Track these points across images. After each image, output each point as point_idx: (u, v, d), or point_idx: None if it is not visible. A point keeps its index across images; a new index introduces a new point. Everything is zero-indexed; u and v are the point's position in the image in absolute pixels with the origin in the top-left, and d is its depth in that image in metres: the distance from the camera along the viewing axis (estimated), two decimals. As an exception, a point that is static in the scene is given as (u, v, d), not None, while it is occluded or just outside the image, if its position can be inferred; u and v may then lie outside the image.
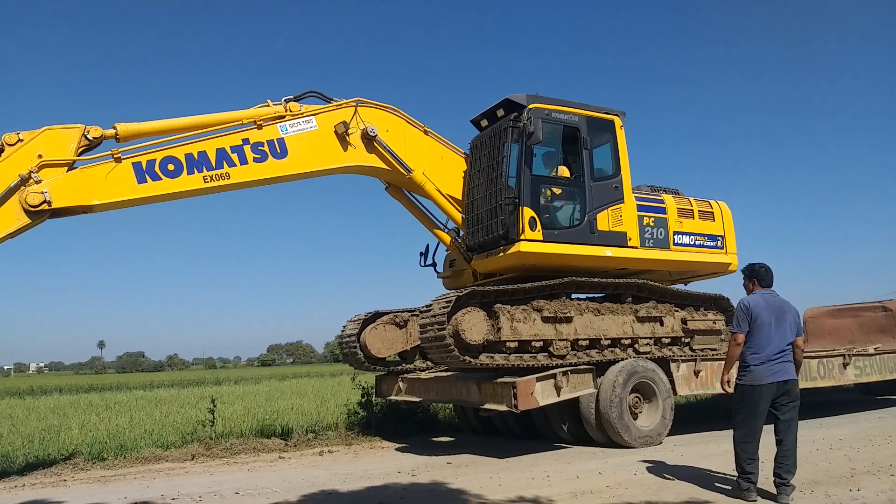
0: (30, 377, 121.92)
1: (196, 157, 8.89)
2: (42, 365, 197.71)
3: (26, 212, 7.98)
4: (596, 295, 10.97)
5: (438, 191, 10.66)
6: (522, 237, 9.71)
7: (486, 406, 9.64)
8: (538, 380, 9.33)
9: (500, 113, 10.53)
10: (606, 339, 10.24)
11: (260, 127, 9.36)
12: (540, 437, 11.06)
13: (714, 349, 11.36)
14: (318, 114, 9.87)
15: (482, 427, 12.28)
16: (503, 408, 9.34)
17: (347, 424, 12.79)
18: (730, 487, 6.84)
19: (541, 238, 9.84)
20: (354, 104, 10.12)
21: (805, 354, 7.02)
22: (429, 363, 11.65)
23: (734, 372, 6.85)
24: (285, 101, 9.85)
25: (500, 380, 9.39)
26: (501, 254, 9.99)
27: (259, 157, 9.29)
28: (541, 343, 9.67)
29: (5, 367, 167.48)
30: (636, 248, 10.69)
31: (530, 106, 10.09)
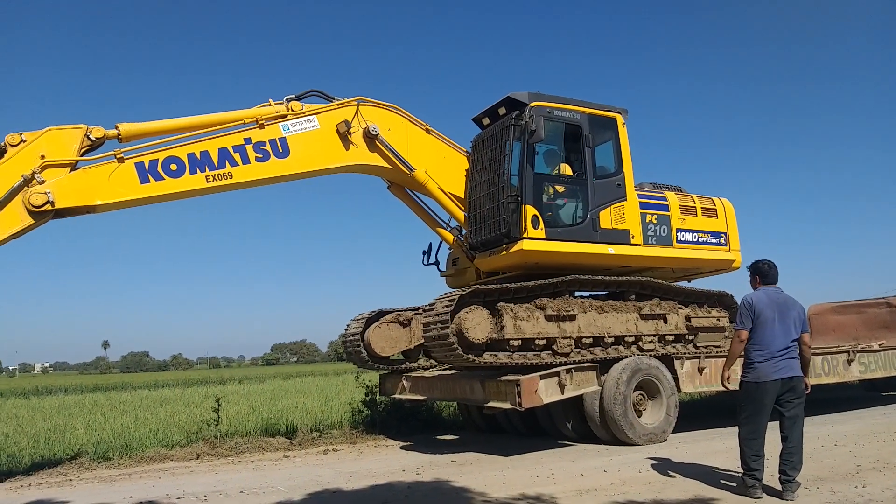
0: (35, 377, 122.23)
1: (198, 156, 8.90)
2: (47, 365, 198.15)
3: (30, 212, 7.99)
4: (599, 293, 10.96)
5: (441, 189, 10.67)
6: (525, 235, 9.71)
7: (490, 404, 9.64)
8: (542, 378, 9.33)
9: (502, 111, 10.53)
10: (610, 336, 10.23)
11: (262, 126, 9.37)
12: (544, 435, 11.06)
13: (718, 346, 11.34)
14: (319, 113, 9.87)
15: (486, 425, 12.28)
16: (507, 406, 9.33)
17: (352, 423, 12.81)
18: (735, 484, 6.83)
19: (543, 236, 9.84)
20: (356, 103, 10.12)
21: (811, 352, 7.00)
22: (432, 361, 11.66)
23: (736, 368, 6.84)
24: (287, 100, 9.85)
25: (504, 378, 9.38)
26: (504, 252, 9.98)
27: (261, 156, 9.30)
28: (544, 341, 9.66)
29: (10, 368, 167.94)
30: (639, 245, 10.68)
31: (532, 104, 10.08)
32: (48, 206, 8.02)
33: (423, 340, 10.09)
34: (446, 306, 9.14)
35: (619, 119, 10.89)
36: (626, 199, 10.62)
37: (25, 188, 8.01)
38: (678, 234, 11.19)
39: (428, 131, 10.83)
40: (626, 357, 10.20)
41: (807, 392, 6.66)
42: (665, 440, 10.13)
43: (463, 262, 11.25)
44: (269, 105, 9.73)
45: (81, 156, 8.52)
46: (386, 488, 7.80)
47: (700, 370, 10.79)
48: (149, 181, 8.63)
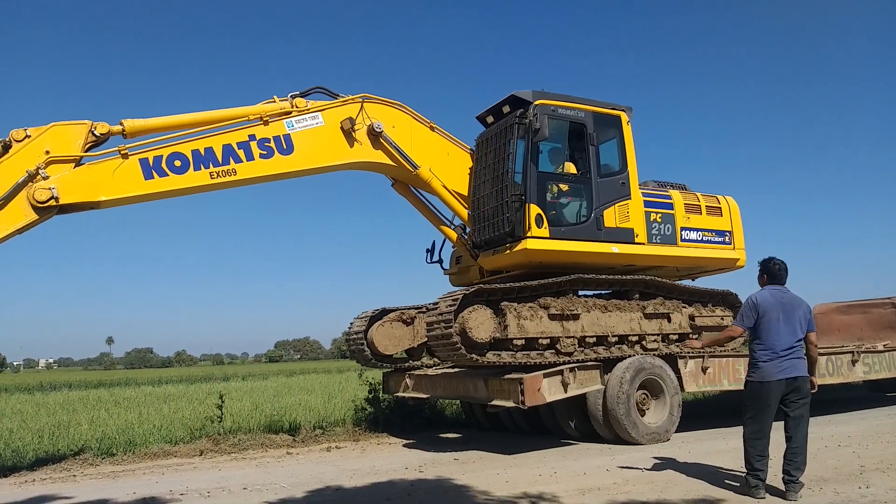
0: (39, 373, 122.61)
1: (202, 153, 8.90)
2: (51, 361, 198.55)
3: (34, 208, 8.00)
4: (603, 292, 10.94)
5: (444, 187, 10.66)
6: (529, 234, 9.69)
7: (494, 402, 9.63)
8: (545, 376, 9.32)
9: (506, 109, 10.50)
10: (614, 336, 10.22)
11: (266, 123, 9.36)
12: (547, 434, 11.05)
13: (723, 345, 11.30)
14: (324, 110, 9.86)
15: (489, 423, 12.28)
16: (510, 404, 9.32)
17: (355, 420, 12.81)
18: (738, 484, 6.81)
19: (547, 235, 9.82)
20: (360, 100, 10.12)
21: (817, 351, 6.99)
22: (436, 360, 11.65)
23: (739, 369, 6.83)
24: (291, 97, 9.84)
25: (507, 376, 9.37)
26: (508, 251, 9.97)
27: (265, 153, 9.29)
28: (548, 340, 9.65)
29: (15, 363, 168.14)
30: (643, 244, 10.65)
31: (536, 102, 10.06)
32: (52, 202, 8.02)
33: (426, 339, 10.08)
34: (450, 306, 9.13)
35: (624, 117, 10.86)
36: (630, 198, 10.59)
37: (30, 184, 8.01)
38: (682, 232, 11.16)
39: (432, 128, 10.82)
40: (629, 356, 10.18)
41: (813, 392, 6.64)
42: (668, 440, 10.11)
43: (466, 260, 11.24)
44: (274, 102, 9.73)
45: (86, 152, 8.51)
46: (388, 486, 7.80)
47: (704, 370, 10.77)
48: (153, 177, 8.63)
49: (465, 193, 10.92)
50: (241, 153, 9.12)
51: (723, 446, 9.21)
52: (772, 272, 6.83)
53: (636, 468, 8.03)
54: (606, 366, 10.05)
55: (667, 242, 10.96)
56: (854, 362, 12.61)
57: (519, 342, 9.43)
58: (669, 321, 10.80)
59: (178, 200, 9.51)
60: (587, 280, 10.28)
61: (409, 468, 8.86)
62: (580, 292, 10.51)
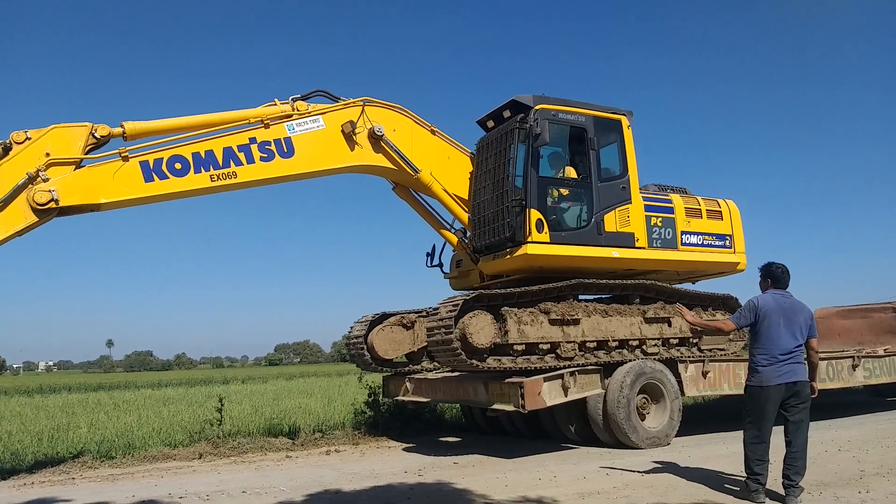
0: (39, 375, 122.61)
1: (203, 155, 8.89)
2: (51, 363, 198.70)
3: (34, 210, 7.97)
4: (603, 296, 10.94)
5: (445, 191, 10.66)
6: (529, 239, 9.69)
7: (494, 406, 9.62)
8: (545, 380, 9.31)
9: (507, 114, 10.51)
10: (614, 340, 10.21)
11: (267, 126, 9.36)
12: (547, 438, 11.04)
13: (723, 349, 11.31)
14: (325, 113, 9.86)
15: (489, 427, 12.26)
16: (510, 408, 9.32)
17: (354, 424, 12.80)
18: (738, 489, 6.81)
19: (548, 240, 9.81)
20: (361, 103, 10.11)
21: (818, 357, 7.00)
22: (436, 364, 11.65)
23: (740, 372, 6.82)
24: (292, 100, 9.83)
25: (507, 380, 9.37)
26: (508, 256, 9.96)
27: (266, 156, 9.29)
28: (548, 345, 9.64)
29: (14, 366, 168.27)
30: (644, 248, 10.64)
31: (537, 107, 10.06)
32: (52, 204, 8.00)
33: (426, 343, 10.07)
34: (450, 311, 9.13)
35: (625, 121, 10.86)
36: (630, 202, 10.58)
37: (30, 186, 7.99)
38: (683, 236, 11.15)
39: (433, 132, 10.82)
40: (630, 361, 10.18)
41: (814, 397, 6.64)
42: (668, 444, 10.10)
43: (467, 264, 11.23)
44: (275, 105, 9.72)
45: (86, 154, 8.50)
46: (388, 489, 7.79)
47: (704, 374, 10.77)
48: (153, 180, 8.62)
49: (466, 197, 10.92)
50: (241, 156, 9.11)
51: (723, 451, 9.20)
52: (774, 276, 6.83)
53: (636, 472, 8.02)
54: (607, 370, 10.04)
55: (667, 246, 10.95)
56: (854, 367, 12.61)
57: (519, 347, 9.42)
58: (670, 325, 10.79)
59: (179, 203, 9.54)
60: (587, 285, 10.27)
61: (409, 472, 8.85)
62: (580, 297, 10.50)
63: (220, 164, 8.98)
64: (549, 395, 9.35)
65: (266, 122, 9.35)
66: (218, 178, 8.97)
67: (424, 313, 11.07)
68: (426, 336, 9.69)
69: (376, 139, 10.09)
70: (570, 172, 10.43)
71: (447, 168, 10.86)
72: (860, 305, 15.74)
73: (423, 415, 12.92)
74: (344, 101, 10.11)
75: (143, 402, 21.78)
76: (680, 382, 10.49)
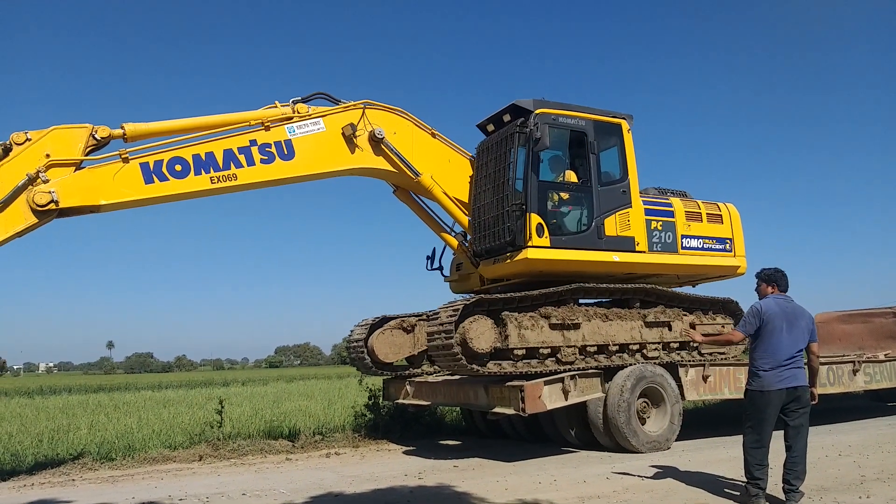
0: (39, 377, 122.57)
1: (203, 157, 8.90)
2: (51, 365, 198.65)
3: (33, 211, 7.99)
4: (603, 300, 10.93)
5: (446, 194, 10.66)
6: (530, 244, 9.69)
7: (495, 410, 9.62)
8: (546, 383, 9.31)
9: (507, 118, 10.50)
10: (614, 344, 10.19)
11: (267, 128, 9.37)
12: (547, 442, 11.03)
13: (723, 353, 11.30)
14: (325, 115, 9.87)
15: (489, 431, 12.25)
16: (511, 411, 9.31)
17: (354, 427, 12.79)
18: (738, 493, 6.80)
19: (548, 244, 9.81)
20: (362, 106, 10.12)
21: (819, 361, 6.99)
22: (436, 367, 11.64)
23: (740, 377, 6.81)
24: (293, 102, 9.84)
25: (508, 384, 9.36)
26: (509, 260, 9.97)
27: (266, 158, 9.30)
28: (549, 350, 9.64)
29: (15, 367, 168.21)
30: (644, 252, 10.64)
31: (537, 111, 10.05)
32: (52, 206, 8.02)
33: (426, 347, 10.07)
34: (450, 316, 9.12)
35: (625, 125, 10.86)
36: (630, 206, 10.58)
37: (30, 187, 8.01)
38: (683, 240, 11.14)
39: (433, 135, 10.82)
40: (630, 365, 10.17)
41: (815, 402, 6.63)
42: (669, 448, 10.09)
43: (467, 267, 11.23)
44: (275, 107, 9.73)
45: (86, 155, 8.52)
46: (388, 492, 7.79)
47: (705, 378, 10.75)
48: (153, 182, 8.64)
49: (466, 200, 10.92)
50: (241, 158, 9.12)
51: (723, 455, 9.18)
52: (775, 280, 6.82)
53: (636, 476, 8.01)
54: (607, 374, 10.04)
55: (667, 250, 10.95)
56: (855, 372, 12.59)
57: (520, 352, 9.41)
58: (670, 329, 10.78)
59: (179, 204, 9.56)
60: (588, 289, 10.27)
61: (409, 475, 8.84)
62: (581, 301, 10.49)
63: (221, 166, 9.00)
64: (550, 398, 9.35)
65: (266, 124, 9.36)
66: (218, 179, 8.98)
67: (425, 317, 11.06)
68: (427, 340, 9.69)
69: (377, 142, 10.10)
70: (571, 176, 10.43)
71: (447, 171, 10.86)
72: (861, 310, 15.71)
73: (423, 418, 12.91)
74: (344, 103, 10.12)
75: (143, 404, 21.78)
76: (680, 386, 10.48)
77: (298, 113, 9.75)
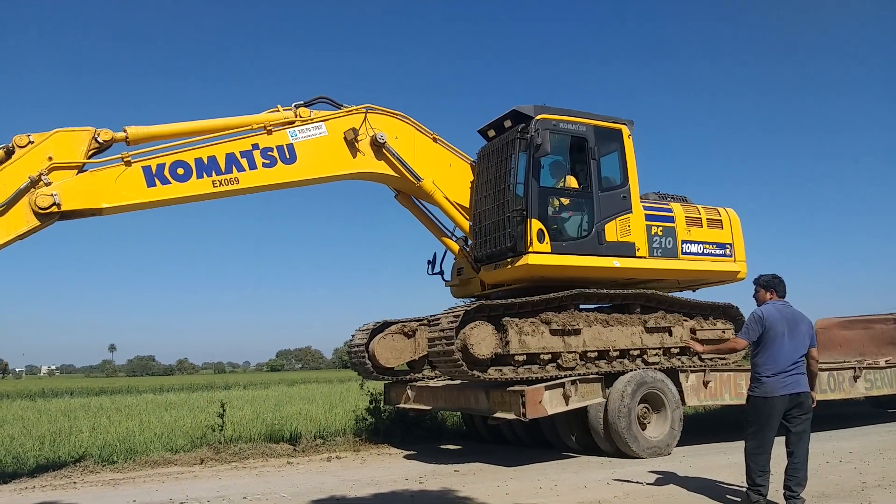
0: (41, 379, 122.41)
1: (206, 161, 8.91)
2: (53, 367, 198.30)
3: (35, 214, 7.98)
4: (604, 305, 10.93)
5: (447, 199, 10.66)
6: (531, 250, 9.69)
7: (495, 415, 9.62)
8: (547, 388, 9.31)
9: (508, 124, 10.50)
10: (615, 350, 10.20)
11: (270, 132, 9.38)
12: (548, 446, 11.02)
13: (724, 359, 11.29)
14: (327, 120, 9.88)
15: (490, 435, 12.25)
16: (512, 416, 9.31)
17: (355, 431, 12.80)
18: (739, 499, 6.79)
19: (549, 250, 9.82)
20: (364, 110, 10.13)
21: (818, 366, 7.00)
22: (437, 371, 11.65)
23: (741, 383, 6.82)
24: (295, 106, 9.84)
25: (509, 388, 9.36)
26: (509, 266, 9.96)
27: (268, 162, 9.31)
28: (549, 356, 9.64)
29: (17, 370, 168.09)
30: (644, 258, 10.64)
31: (538, 117, 10.07)
32: (54, 208, 8.00)
33: (427, 352, 10.08)
34: (451, 322, 9.13)
35: (625, 130, 10.87)
36: (631, 212, 10.58)
37: (32, 190, 8.00)
38: (683, 245, 11.14)
39: (435, 140, 10.83)
40: (631, 370, 10.17)
41: (813, 406, 6.63)
42: (669, 454, 10.08)
43: (468, 271, 11.23)
44: (278, 111, 9.73)
45: (89, 158, 8.51)
46: (389, 497, 7.79)
47: (705, 384, 10.74)
48: (155, 185, 8.64)
49: (467, 205, 10.93)
50: (243, 162, 9.13)
51: (724, 461, 9.18)
52: (773, 286, 6.83)
53: (637, 482, 8.01)
54: (608, 379, 10.03)
55: (668, 256, 10.95)
56: (856, 378, 12.57)
57: (521, 357, 9.41)
58: (671, 335, 10.78)
59: (182, 208, 9.55)
60: (588, 294, 10.27)
61: (410, 479, 8.85)
62: (581, 306, 10.49)
63: (223, 169, 9.01)
64: (551, 403, 9.35)
65: (269, 128, 9.38)
66: (220, 183, 8.99)
67: (426, 321, 11.06)
68: (427, 346, 9.69)
69: (378, 146, 10.11)
70: (571, 182, 10.43)
71: (449, 176, 10.87)
72: (862, 316, 15.69)
73: (424, 422, 12.91)
74: (346, 107, 10.14)
75: (144, 407, 21.84)
76: (681, 392, 10.47)
77: (300, 117, 9.75)
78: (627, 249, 10.48)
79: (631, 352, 10.42)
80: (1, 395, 38.14)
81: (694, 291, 12.64)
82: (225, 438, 11.74)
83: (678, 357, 10.93)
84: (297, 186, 9.88)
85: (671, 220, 11.15)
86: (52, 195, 8.00)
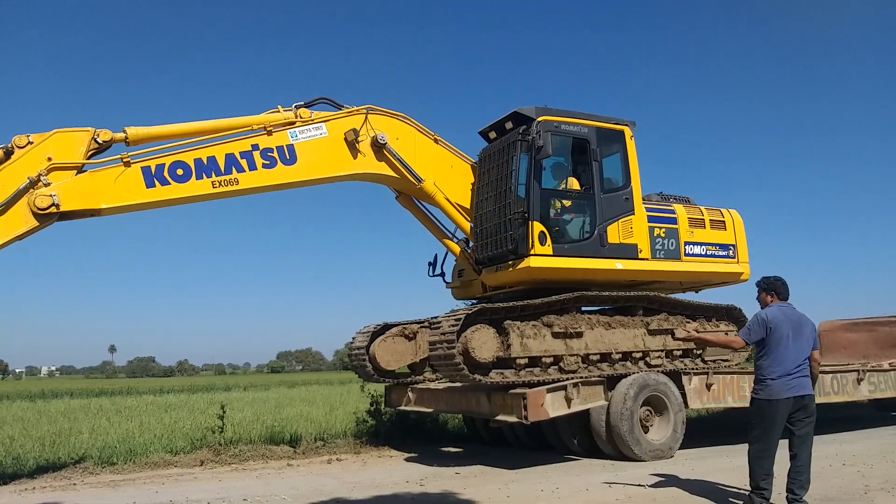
0: (41, 381, 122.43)
1: (205, 162, 8.89)
2: (53, 368, 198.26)
3: (34, 214, 7.95)
4: (606, 307, 10.89)
5: (448, 200, 10.63)
6: (532, 252, 9.65)
7: (497, 417, 9.58)
8: (549, 391, 9.27)
9: (509, 125, 10.46)
10: (617, 352, 10.15)
11: (270, 133, 9.35)
12: (550, 449, 10.98)
13: (727, 361, 11.25)
14: (328, 121, 9.85)
15: (491, 438, 12.21)
16: (513, 419, 9.28)
17: (356, 433, 12.76)
18: (741, 502, 6.75)
19: (551, 252, 9.77)
20: (365, 111, 10.10)
21: (820, 369, 6.97)
22: (438, 374, 11.61)
23: (745, 386, 6.77)
24: (296, 107, 9.82)
25: (510, 391, 9.32)
26: (511, 268, 9.92)
27: (268, 163, 9.28)
28: (551, 359, 9.60)
29: (17, 371, 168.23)
30: (647, 259, 10.60)
31: (539, 119, 10.03)
32: (53, 209, 7.97)
33: (428, 354, 10.04)
34: (452, 325, 9.08)
35: (627, 131, 10.83)
36: (633, 213, 10.53)
37: (31, 190, 7.98)
38: (686, 247, 11.10)
39: (436, 141, 10.80)
40: (633, 373, 10.12)
41: None
42: (672, 456, 10.04)
43: (469, 273, 11.19)
44: (278, 112, 9.71)
45: (88, 159, 8.49)
46: (390, 499, 7.76)
47: (708, 386, 10.70)
48: (155, 186, 8.61)
49: (468, 206, 10.90)
50: (243, 163, 9.10)
51: (726, 464, 9.14)
52: (776, 289, 6.81)
53: (639, 485, 7.97)
54: (610, 382, 9.99)
55: (670, 257, 10.90)
56: (859, 381, 12.52)
57: (522, 361, 9.37)
58: (673, 337, 10.70)
59: (181, 209, 9.52)
60: (590, 297, 10.23)
61: (411, 482, 8.81)
62: (583, 309, 10.44)
63: (222, 170, 8.98)
64: (552, 406, 9.31)
65: (269, 128, 9.35)
66: (220, 184, 8.96)
67: (426, 323, 11.03)
68: (429, 349, 9.65)
69: (379, 147, 10.07)
70: (573, 183, 10.40)
71: (450, 177, 10.84)
72: (866, 319, 15.65)
73: (425, 424, 12.87)
74: (347, 108, 10.11)
75: (144, 409, 21.83)
76: (684, 395, 10.43)
77: (301, 118, 9.72)
78: (630, 251, 10.43)
79: (633, 354, 10.37)
80: (1, 396, 38.08)
81: (697, 293, 12.60)
82: (225, 440, 11.69)
83: (681, 359, 10.89)
84: (298, 187, 9.85)
85: (674, 221, 11.10)
86: (51, 196, 7.98)
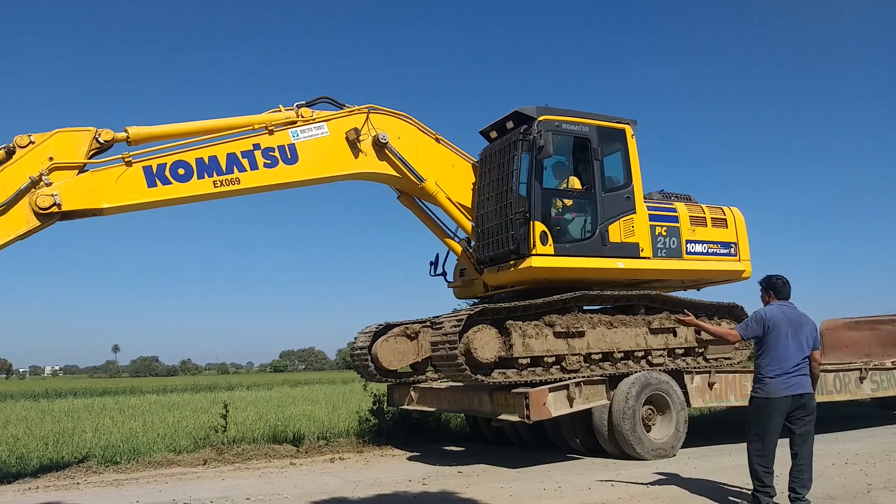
0: (45, 380, 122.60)
1: (207, 161, 8.89)
2: (57, 368, 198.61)
3: (36, 214, 7.96)
4: (608, 307, 10.88)
5: (449, 199, 10.62)
6: (534, 252, 9.64)
7: (499, 417, 9.58)
8: (551, 390, 9.27)
9: (510, 125, 10.44)
10: (619, 351, 10.14)
11: (271, 132, 9.36)
12: (552, 448, 10.98)
13: (729, 359, 11.24)
14: (329, 120, 9.85)
15: (494, 437, 12.20)
16: (515, 418, 9.28)
17: (358, 432, 12.77)
18: (744, 501, 6.75)
19: (552, 252, 9.76)
20: (366, 111, 10.10)
21: (821, 368, 6.96)
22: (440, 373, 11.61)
23: (746, 384, 6.77)
24: (297, 106, 9.81)
25: (513, 391, 9.32)
26: (512, 268, 9.92)
27: (270, 162, 9.28)
28: (553, 358, 9.60)
29: (21, 370, 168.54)
30: (648, 258, 10.57)
31: (540, 118, 10.01)
32: (55, 209, 7.98)
33: (430, 353, 10.04)
34: (454, 326, 9.08)
35: (628, 130, 10.80)
36: (635, 212, 10.51)
37: (32, 190, 7.99)
38: (688, 245, 11.07)
39: (437, 140, 10.79)
40: (635, 372, 10.12)
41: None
42: (674, 455, 10.03)
43: (470, 272, 11.18)
44: (279, 111, 9.71)
45: (90, 158, 8.50)
46: (392, 498, 7.77)
47: (710, 385, 10.68)
48: (156, 185, 8.62)
49: (470, 206, 10.89)
50: (245, 162, 9.11)
51: (729, 463, 9.14)
52: (777, 288, 6.81)
53: (641, 484, 7.97)
54: (612, 381, 9.99)
55: (672, 256, 10.88)
56: (862, 379, 12.49)
57: (524, 361, 9.37)
58: (675, 336, 10.73)
59: (184, 208, 9.52)
60: (592, 296, 10.21)
61: (413, 481, 8.82)
62: (585, 308, 10.43)
63: (224, 170, 8.98)
64: (555, 405, 9.31)
65: (270, 128, 9.35)
66: (221, 184, 8.97)
67: (428, 323, 11.02)
68: (431, 349, 9.65)
69: (380, 147, 10.06)
70: (574, 183, 10.37)
71: (451, 176, 10.83)
72: (868, 317, 15.62)
73: (427, 424, 12.88)
74: (349, 108, 10.11)
75: (148, 408, 21.87)
76: (686, 393, 10.42)
77: (302, 117, 9.72)
78: (631, 250, 10.42)
79: (635, 353, 10.37)
80: (5, 396, 38.22)
81: (698, 291, 12.59)
82: (228, 439, 11.73)
83: (683, 358, 10.87)
84: (299, 187, 9.85)
85: (675, 219, 11.08)
86: (52, 195, 7.99)
